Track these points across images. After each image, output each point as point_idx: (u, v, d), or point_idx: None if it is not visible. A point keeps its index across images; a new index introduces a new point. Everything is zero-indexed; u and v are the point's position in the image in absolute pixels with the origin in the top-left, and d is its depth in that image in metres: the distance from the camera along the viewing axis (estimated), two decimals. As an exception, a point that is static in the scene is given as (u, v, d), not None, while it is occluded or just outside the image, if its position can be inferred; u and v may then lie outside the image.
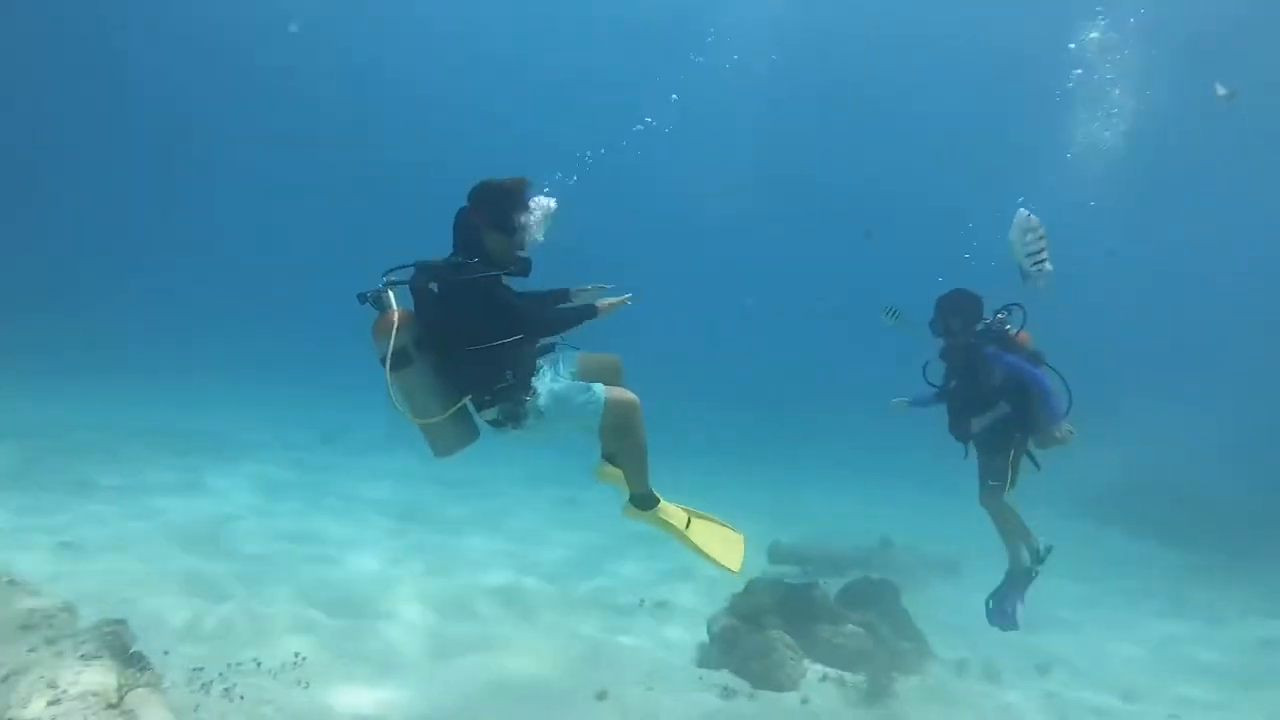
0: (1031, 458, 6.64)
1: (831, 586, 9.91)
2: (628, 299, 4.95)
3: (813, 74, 36.06)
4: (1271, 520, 14.41)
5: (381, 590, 8.90)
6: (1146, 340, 31.89)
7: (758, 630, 8.52)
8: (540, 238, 4.65)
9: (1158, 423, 18.63)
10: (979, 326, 6.45)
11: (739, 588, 9.35)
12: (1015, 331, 6.48)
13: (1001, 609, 6.93)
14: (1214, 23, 24.83)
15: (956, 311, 6.44)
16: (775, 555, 12.18)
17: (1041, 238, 5.92)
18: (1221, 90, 10.96)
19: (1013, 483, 6.53)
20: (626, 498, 5.10)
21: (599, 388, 4.78)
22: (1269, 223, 32.77)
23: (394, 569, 9.80)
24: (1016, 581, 6.87)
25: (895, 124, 38.10)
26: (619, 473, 5.07)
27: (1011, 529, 6.71)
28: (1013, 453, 6.48)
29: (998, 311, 6.50)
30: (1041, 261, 5.94)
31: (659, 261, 41.34)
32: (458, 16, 43.23)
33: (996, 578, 12.59)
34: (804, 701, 7.74)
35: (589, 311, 4.82)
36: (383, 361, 4.42)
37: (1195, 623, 11.16)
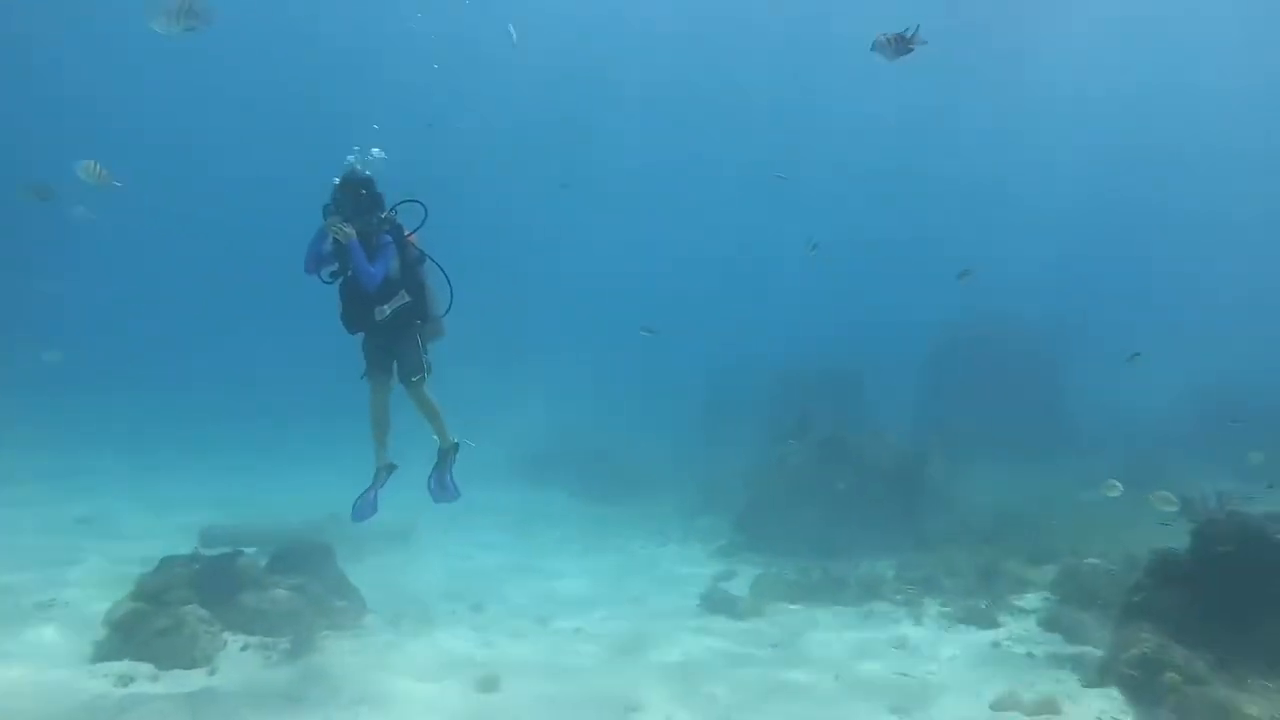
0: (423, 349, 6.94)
1: (264, 557, 9.32)
2: None
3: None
4: (667, 472, 17.41)
5: None
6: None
7: (166, 609, 7.60)
8: None
9: (580, 384, 21.37)
10: (381, 215, 6.56)
11: (149, 568, 8.31)
12: (408, 232, 6.71)
13: (442, 485, 7.18)
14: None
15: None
16: (208, 538, 11.05)
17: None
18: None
19: (428, 369, 6.84)
20: None
21: None
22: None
23: None
24: (447, 458, 7.18)
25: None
26: None
27: (432, 413, 6.99)
28: (420, 341, 6.80)
29: (395, 206, 6.67)
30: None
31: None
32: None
33: (446, 541, 13.19)
34: (212, 673, 7.11)
35: None
36: None
37: (607, 556, 12.87)
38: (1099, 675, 7.02)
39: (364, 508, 7.05)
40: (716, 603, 10.17)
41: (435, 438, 7.17)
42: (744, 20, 33.44)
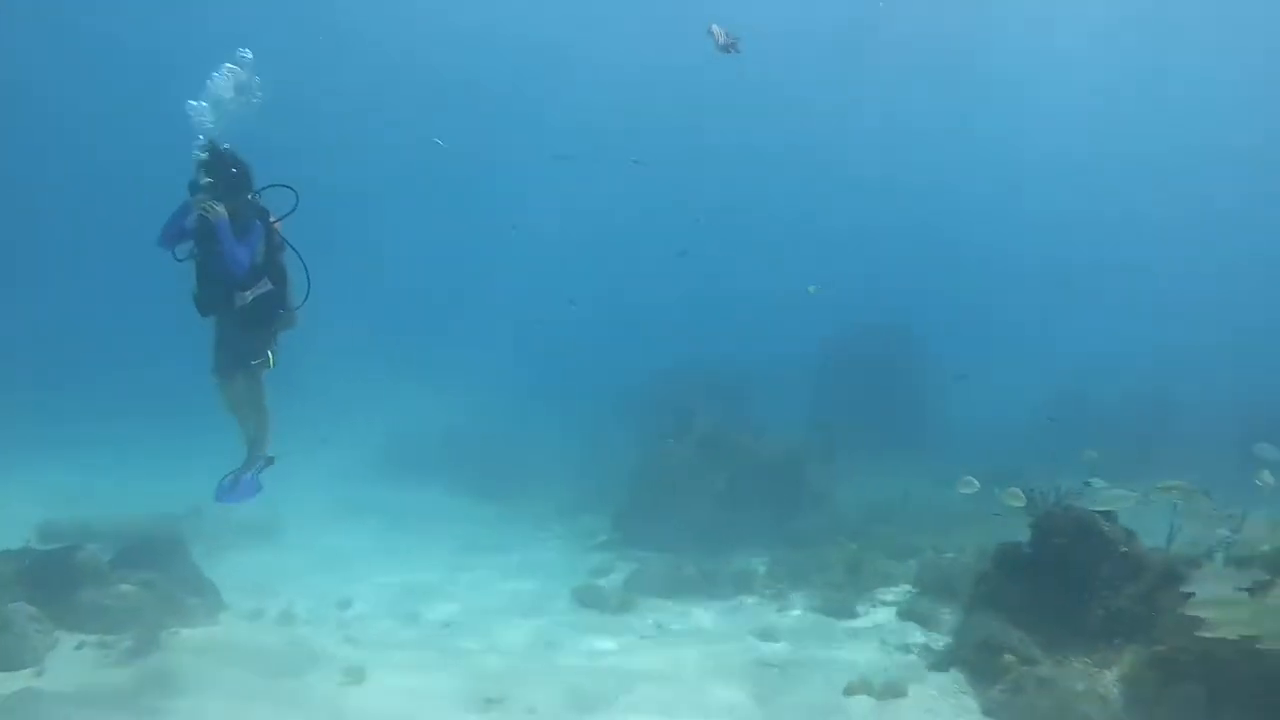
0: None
1: (110, 552, 8.81)
2: None
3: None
4: (550, 470, 17.32)
5: None
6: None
7: (-12, 606, 7.11)
8: None
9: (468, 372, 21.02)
10: (249, 196, 6.33)
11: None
12: (274, 219, 6.49)
13: (237, 483, 6.90)
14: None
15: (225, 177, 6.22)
16: (47, 534, 10.37)
17: None
18: None
19: (274, 360, 6.63)
20: None
21: None
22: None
23: None
24: (257, 461, 6.92)
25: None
26: None
27: (262, 411, 6.77)
28: (273, 331, 6.61)
29: (264, 188, 6.44)
30: None
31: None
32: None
33: (313, 537, 12.77)
34: (39, 674, 6.70)
35: None
36: None
37: (481, 553, 12.68)
38: (945, 660, 7.36)
39: (242, 491, 6.76)
40: (588, 598, 10.17)
41: (254, 434, 6.91)
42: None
